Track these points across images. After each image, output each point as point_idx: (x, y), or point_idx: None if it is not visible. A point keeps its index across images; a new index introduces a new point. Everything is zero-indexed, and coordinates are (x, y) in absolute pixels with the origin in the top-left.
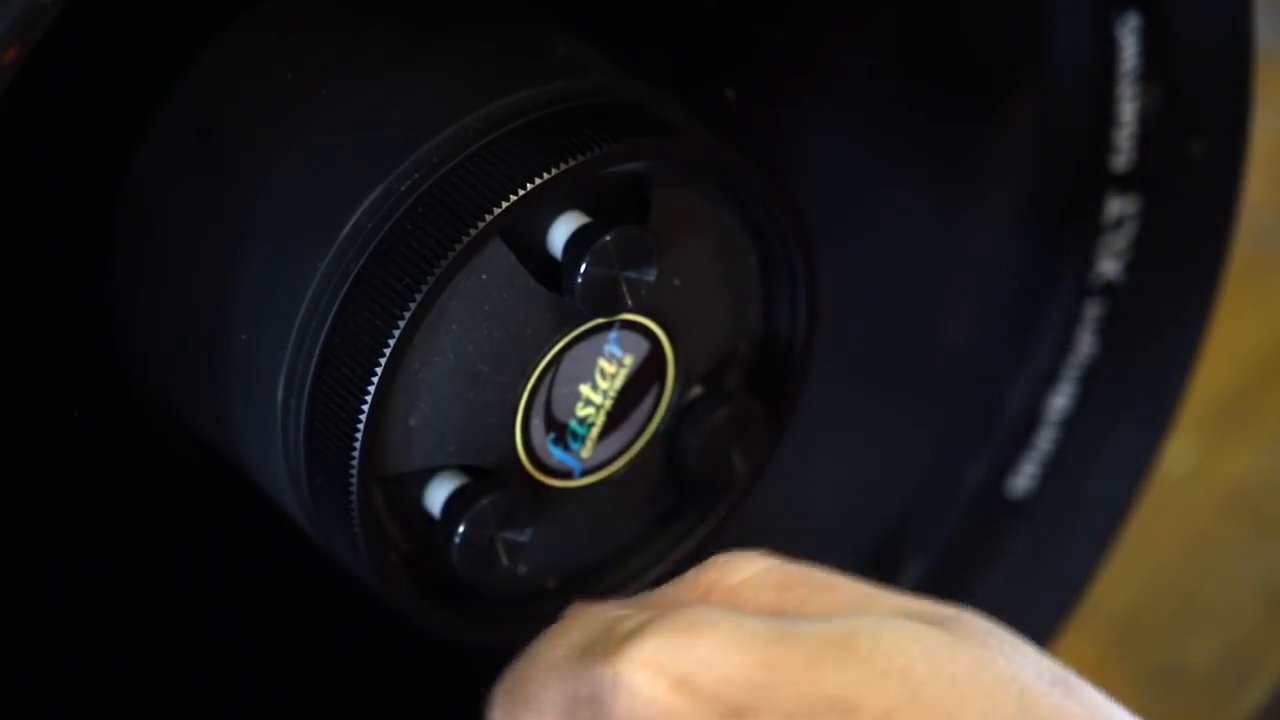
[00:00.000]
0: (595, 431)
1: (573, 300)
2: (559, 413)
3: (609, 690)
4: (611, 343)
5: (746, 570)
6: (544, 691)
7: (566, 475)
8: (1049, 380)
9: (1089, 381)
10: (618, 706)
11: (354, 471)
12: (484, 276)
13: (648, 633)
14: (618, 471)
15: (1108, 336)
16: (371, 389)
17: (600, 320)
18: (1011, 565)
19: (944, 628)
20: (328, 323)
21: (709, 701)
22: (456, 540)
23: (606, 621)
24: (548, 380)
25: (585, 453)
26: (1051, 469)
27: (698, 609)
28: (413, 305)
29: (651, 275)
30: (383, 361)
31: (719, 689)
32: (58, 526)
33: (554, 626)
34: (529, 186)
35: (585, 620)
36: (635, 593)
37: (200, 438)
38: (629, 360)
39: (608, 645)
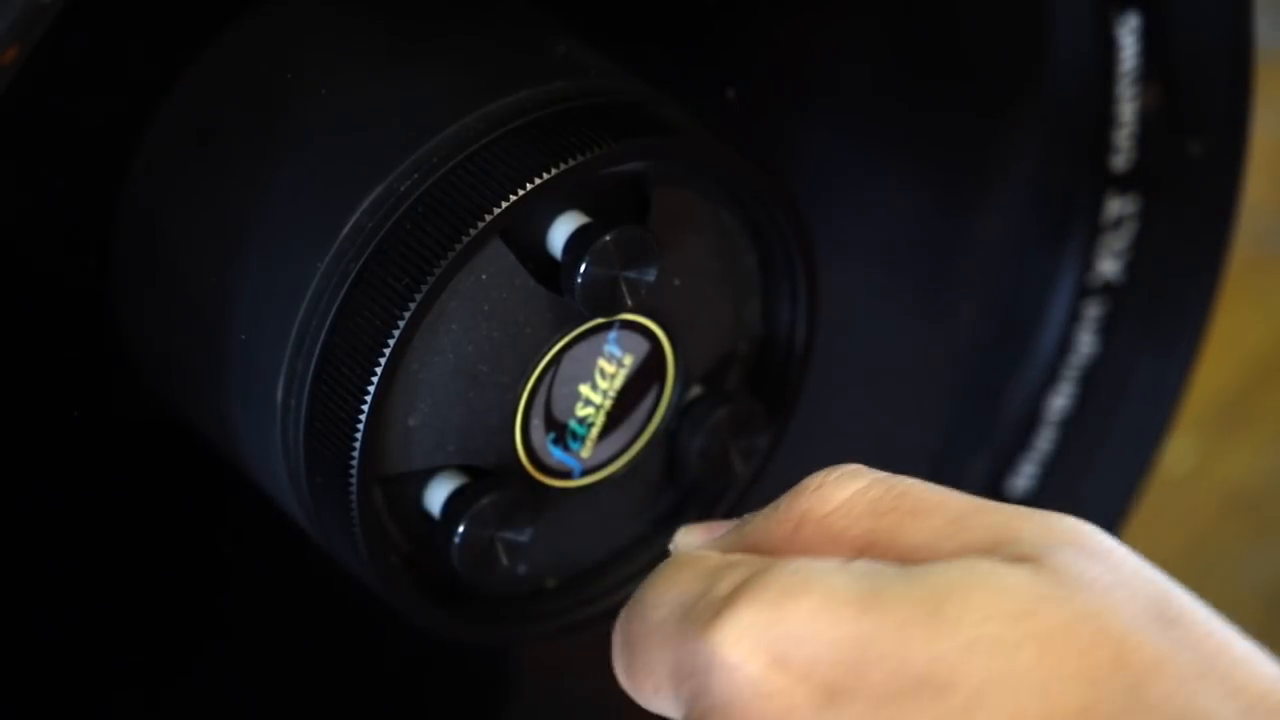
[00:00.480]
0: (595, 431)
1: (573, 300)
2: (559, 413)
3: (705, 667)
4: (611, 343)
5: (838, 496)
6: (653, 656)
7: (566, 475)
8: (1049, 380)
9: (1089, 381)
10: (716, 684)
11: (354, 471)
12: (484, 276)
13: (740, 603)
14: (618, 471)
15: (1108, 336)
16: (371, 389)
17: (600, 320)
18: None
19: (1038, 569)
20: (327, 323)
21: (804, 681)
22: (456, 540)
23: (705, 576)
24: (547, 380)
25: (585, 453)
26: (1051, 469)
27: (788, 570)
28: (412, 305)
29: (651, 275)
30: (382, 361)
31: (813, 668)
32: (57, 526)
33: (658, 572)
34: (529, 186)
35: (686, 572)
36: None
37: (200, 437)
38: (629, 360)
39: (704, 613)
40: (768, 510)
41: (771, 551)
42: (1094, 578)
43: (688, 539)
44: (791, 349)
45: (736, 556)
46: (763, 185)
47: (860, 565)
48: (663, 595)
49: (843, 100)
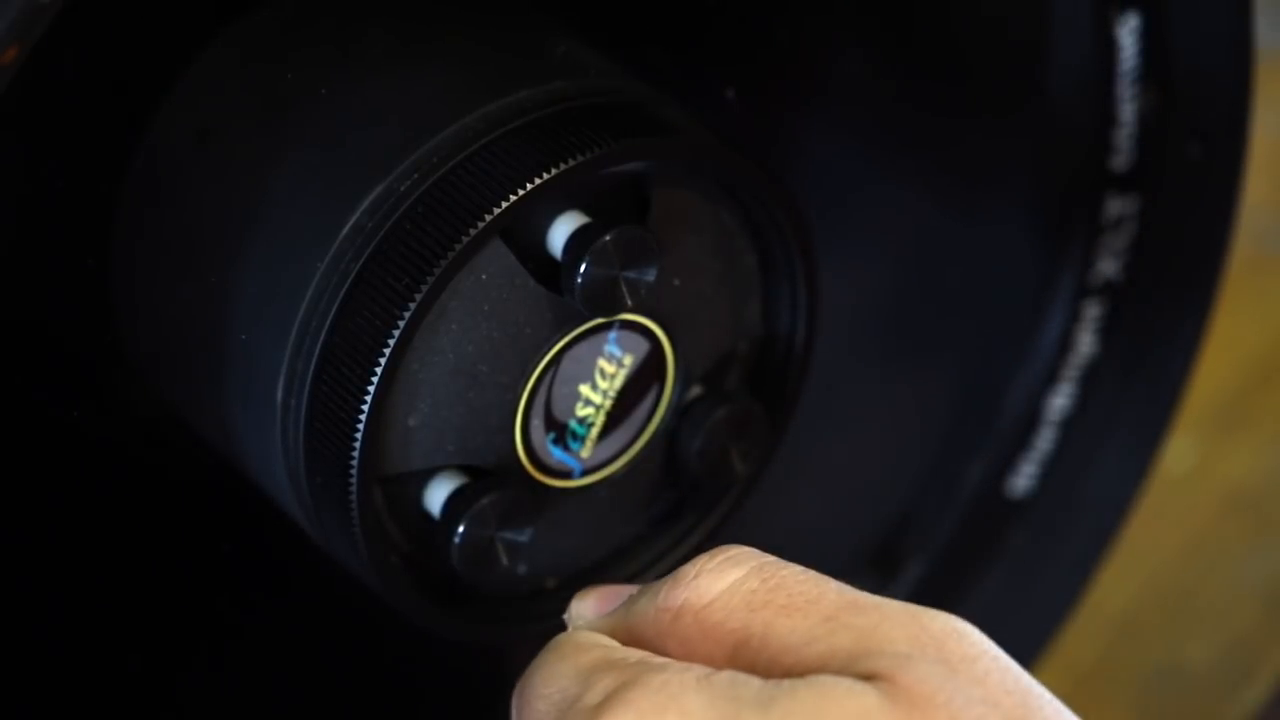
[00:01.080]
0: (595, 431)
1: (572, 300)
2: (559, 413)
3: None
4: (611, 343)
5: (715, 588)
6: None
7: (566, 475)
8: (1049, 380)
9: (1089, 381)
10: None
11: (354, 471)
12: (484, 276)
13: None
14: (617, 471)
15: (1108, 336)
16: (371, 389)
17: (600, 320)
18: (1011, 565)
19: (892, 690)
20: (327, 323)
21: None
22: (456, 540)
23: (581, 676)
24: (547, 380)
25: (585, 453)
26: (1051, 469)
27: (651, 687)
28: (412, 305)
29: (651, 275)
30: (382, 361)
31: None
32: (57, 526)
33: (546, 654)
34: (529, 186)
35: (566, 666)
36: None
37: (200, 437)
38: (629, 360)
39: None
40: (652, 592)
41: (653, 639)
42: (950, 696)
43: (581, 608)
44: (791, 349)
45: (614, 653)
46: (763, 185)
47: (722, 680)
48: (545, 687)
49: (842, 100)
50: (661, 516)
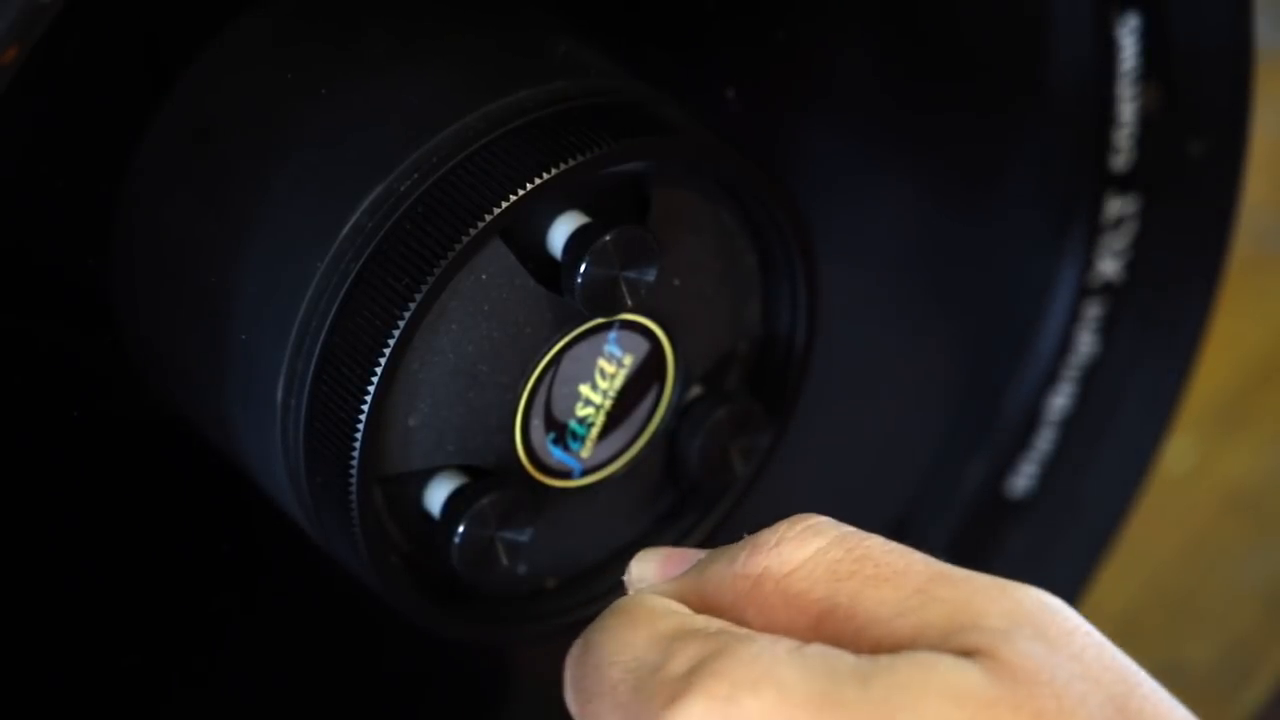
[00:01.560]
0: (595, 431)
1: (573, 300)
2: (559, 413)
3: None
4: (611, 343)
5: (798, 556)
6: (605, 715)
7: (566, 475)
8: (1049, 380)
9: (1089, 381)
10: None
11: (354, 471)
12: (484, 276)
13: (694, 692)
14: (617, 471)
15: (1108, 336)
16: (371, 389)
17: (600, 320)
18: (1011, 565)
19: (994, 666)
20: (327, 323)
21: None
22: (456, 540)
23: (660, 643)
24: (547, 380)
25: (585, 453)
26: (1051, 469)
27: (744, 659)
28: (412, 305)
29: (651, 275)
30: (382, 361)
31: None
32: (57, 526)
33: (613, 618)
34: (529, 186)
35: (641, 633)
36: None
37: (200, 437)
38: (629, 360)
39: (658, 693)
40: (727, 558)
41: (729, 607)
42: (1052, 673)
43: (643, 570)
44: (791, 349)
45: (693, 621)
46: (763, 185)
47: (816, 653)
48: (617, 653)
49: (843, 100)
50: (661, 516)
